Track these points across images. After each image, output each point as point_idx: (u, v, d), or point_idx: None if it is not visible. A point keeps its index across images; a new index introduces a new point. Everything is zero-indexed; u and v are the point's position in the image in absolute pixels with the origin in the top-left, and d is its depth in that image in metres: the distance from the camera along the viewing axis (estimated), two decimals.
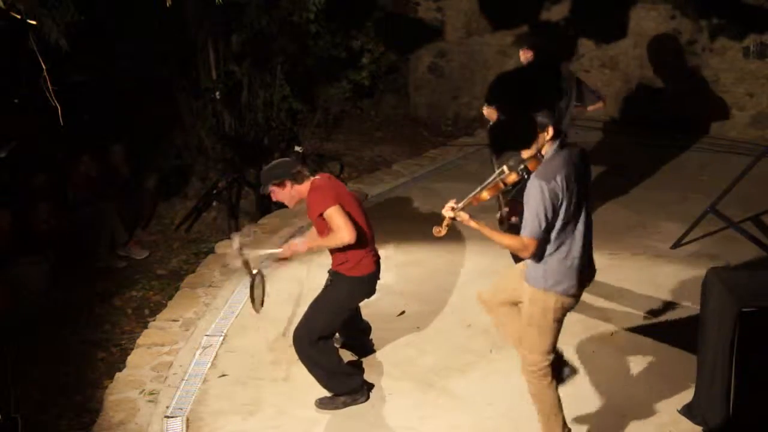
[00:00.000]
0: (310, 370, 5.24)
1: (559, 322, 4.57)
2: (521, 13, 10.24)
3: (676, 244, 7.14)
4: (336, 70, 10.42)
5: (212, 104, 9.35)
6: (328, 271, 5.35)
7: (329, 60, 10.31)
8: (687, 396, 5.06)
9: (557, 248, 4.43)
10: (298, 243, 5.30)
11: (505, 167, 4.52)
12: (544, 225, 4.33)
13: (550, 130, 4.39)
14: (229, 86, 9.38)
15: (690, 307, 5.90)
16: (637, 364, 5.56)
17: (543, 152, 4.43)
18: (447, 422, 5.14)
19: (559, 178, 4.32)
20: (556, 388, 4.66)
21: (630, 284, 6.60)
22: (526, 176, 4.46)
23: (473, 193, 4.56)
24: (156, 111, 9.26)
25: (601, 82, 10.26)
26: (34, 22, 4.68)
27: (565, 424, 4.69)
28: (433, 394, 5.39)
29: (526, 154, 4.44)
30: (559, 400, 4.67)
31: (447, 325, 6.10)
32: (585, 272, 4.55)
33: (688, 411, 5.01)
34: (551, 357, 4.60)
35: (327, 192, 5.08)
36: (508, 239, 4.52)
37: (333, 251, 5.24)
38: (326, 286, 5.31)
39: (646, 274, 6.76)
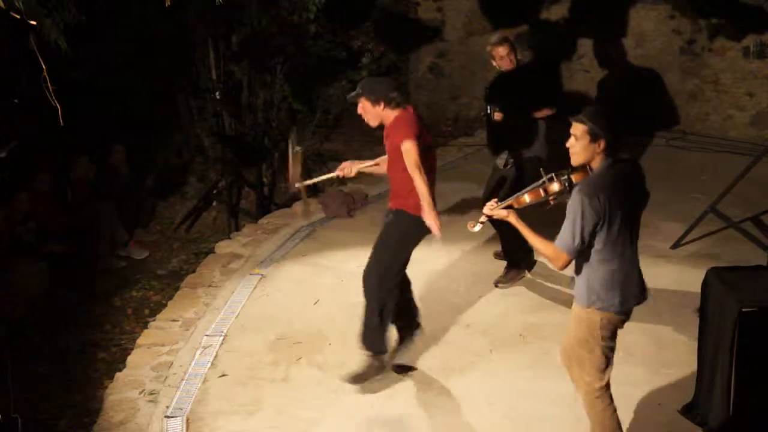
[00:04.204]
0: (368, 315, 5.23)
1: (609, 340, 4.29)
2: (521, 13, 10.25)
3: (676, 244, 7.14)
4: (336, 70, 10.42)
5: (212, 104, 9.36)
6: (388, 212, 5.31)
7: (329, 60, 10.31)
8: (687, 396, 5.06)
9: (600, 265, 4.21)
10: (352, 165, 5.45)
11: (553, 175, 4.39)
12: (578, 240, 4.07)
13: (602, 143, 4.08)
14: (229, 86, 9.39)
15: (690, 307, 5.89)
16: (637, 364, 5.56)
17: (593, 165, 4.15)
18: (447, 422, 5.13)
19: (603, 197, 4.03)
20: (615, 411, 4.39)
21: None
22: (567, 186, 4.31)
23: (515, 196, 4.46)
24: (156, 111, 9.27)
25: (601, 82, 10.28)
26: (34, 22, 4.67)
27: None
28: (433, 394, 5.38)
29: (574, 164, 4.21)
30: (619, 426, 4.41)
31: (447, 325, 6.10)
32: (631, 290, 4.33)
33: (688, 411, 5.01)
34: (605, 378, 4.34)
35: (410, 124, 5.08)
36: (543, 245, 4.26)
37: (396, 187, 5.19)
38: (386, 224, 5.30)
39: (646, 274, 6.65)
